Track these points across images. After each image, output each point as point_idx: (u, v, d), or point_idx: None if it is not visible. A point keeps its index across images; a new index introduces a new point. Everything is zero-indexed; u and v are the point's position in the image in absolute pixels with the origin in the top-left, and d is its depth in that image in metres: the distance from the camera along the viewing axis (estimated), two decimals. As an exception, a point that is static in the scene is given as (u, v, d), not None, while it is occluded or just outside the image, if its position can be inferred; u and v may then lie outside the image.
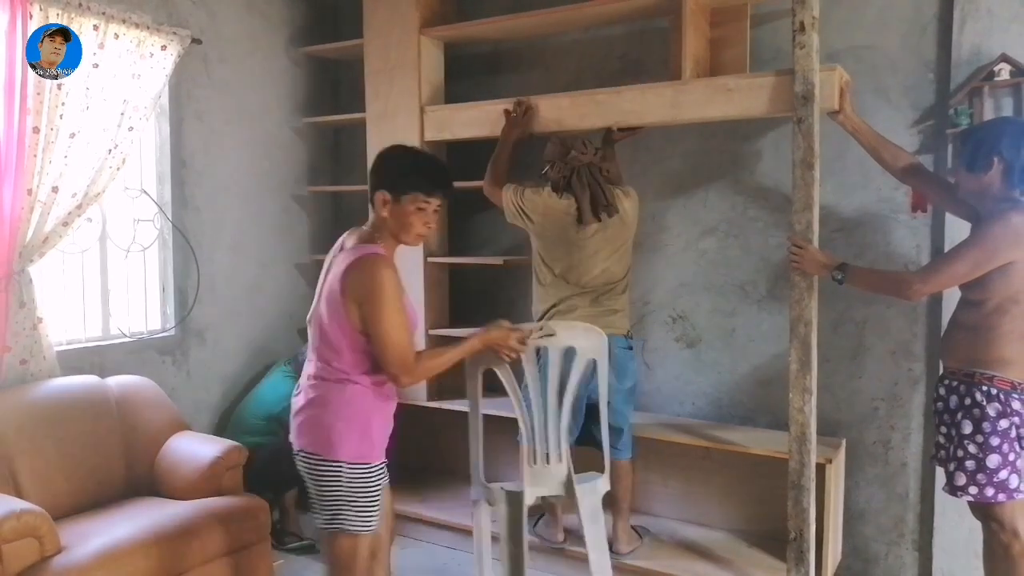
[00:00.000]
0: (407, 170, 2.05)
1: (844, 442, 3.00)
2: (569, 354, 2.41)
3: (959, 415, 2.29)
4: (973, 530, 2.74)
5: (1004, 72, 2.59)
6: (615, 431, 2.83)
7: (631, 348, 2.92)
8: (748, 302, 3.20)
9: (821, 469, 2.74)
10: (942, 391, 2.39)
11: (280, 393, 3.36)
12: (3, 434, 2.56)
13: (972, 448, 2.24)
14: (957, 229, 2.69)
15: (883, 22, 2.87)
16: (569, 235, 2.83)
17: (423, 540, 3.32)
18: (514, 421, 2.39)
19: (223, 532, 2.60)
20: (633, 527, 3.05)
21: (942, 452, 2.39)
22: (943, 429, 2.38)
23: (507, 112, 3.12)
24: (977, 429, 2.23)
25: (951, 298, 2.72)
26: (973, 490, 2.25)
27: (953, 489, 2.31)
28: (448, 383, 3.69)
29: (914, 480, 2.94)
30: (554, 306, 2.87)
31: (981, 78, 2.63)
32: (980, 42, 2.67)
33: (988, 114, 2.64)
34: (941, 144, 2.79)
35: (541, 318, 2.87)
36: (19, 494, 2.48)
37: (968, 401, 2.26)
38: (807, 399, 2.54)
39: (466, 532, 3.31)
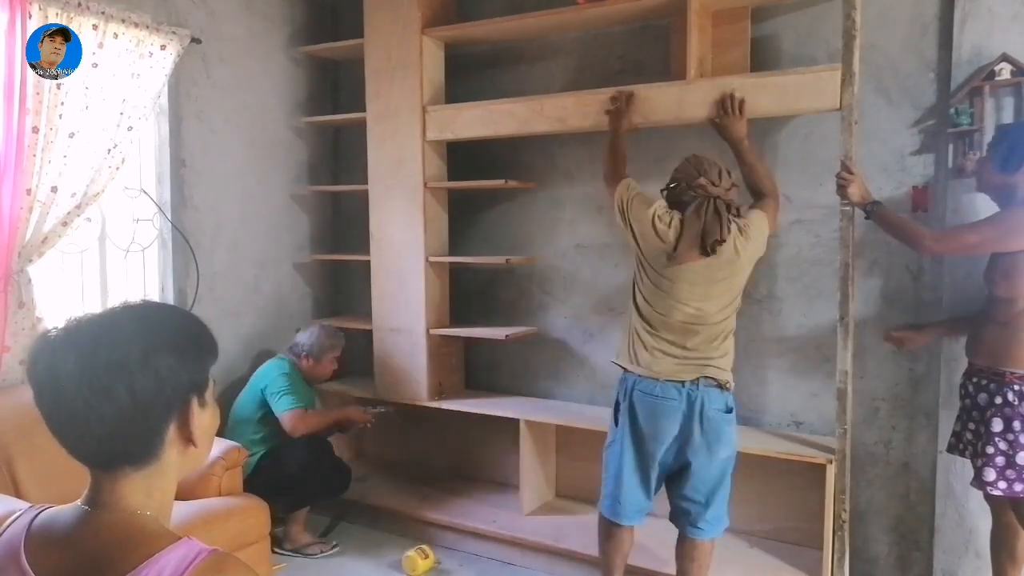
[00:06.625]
0: None
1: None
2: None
3: (988, 412, 2.35)
4: (974, 530, 2.74)
5: (1005, 72, 2.59)
6: (694, 503, 2.52)
7: (731, 410, 2.49)
8: (750, 302, 3.19)
9: (822, 469, 2.74)
10: (970, 388, 2.45)
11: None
12: (2, 434, 2.55)
13: (1003, 445, 2.31)
14: (958, 229, 2.70)
15: (884, 22, 2.86)
16: (660, 262, 2.49)
17: (422, 540, 3.31)
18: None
19: (222, 533, 2.59)
20: None
21: (969, 447, 2.45)
22: (971, 425, 2.44)
23: (609, 107, 2.97)
24: (1008, 427, 2.31)
25: (952, 300, 2.73)
26: (1003, 485, 2.33)
27: (981, 484, 2.37)
28: (447, 383, 3.69)
29: (915, 480, 2.93)
30: (641, 346, 2.53)
31: (982, 78, 2.62)
32: (981, 42, 2.67)
33: (989, 114, 2.64)
34: (942, 144, 2.78)
35: (628, 359, 2.56)
36: (18, 494, 2.47)
37: (999, 400, 2.33)
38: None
39: (466, 532, 3.31)
